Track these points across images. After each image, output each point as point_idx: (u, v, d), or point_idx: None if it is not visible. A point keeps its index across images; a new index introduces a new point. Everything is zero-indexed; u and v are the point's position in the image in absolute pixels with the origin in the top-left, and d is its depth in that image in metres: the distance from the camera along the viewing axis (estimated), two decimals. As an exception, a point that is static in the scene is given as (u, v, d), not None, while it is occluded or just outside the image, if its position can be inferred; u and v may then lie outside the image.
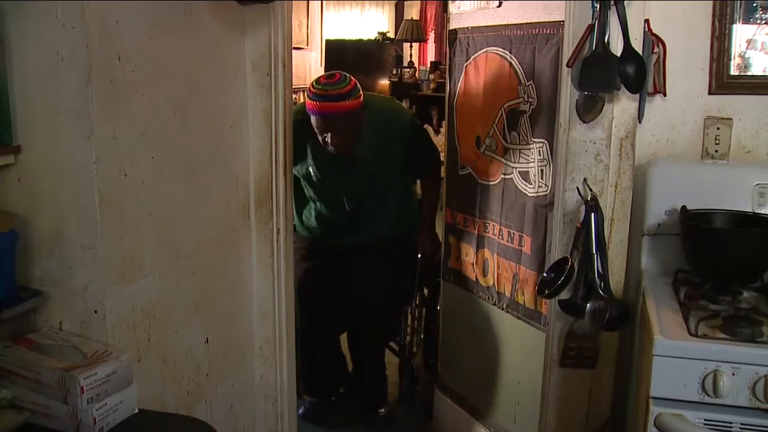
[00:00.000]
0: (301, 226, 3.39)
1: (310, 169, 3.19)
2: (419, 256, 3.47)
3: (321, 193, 3.29)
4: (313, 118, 2.99)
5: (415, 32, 8.92)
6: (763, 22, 2.21)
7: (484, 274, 3.06)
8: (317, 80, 3.03)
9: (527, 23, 2.71)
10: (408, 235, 3.48)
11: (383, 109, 3.31)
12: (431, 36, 9.79)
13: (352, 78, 3.06)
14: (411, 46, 9.30)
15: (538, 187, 2.69)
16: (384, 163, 3.22)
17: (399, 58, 8.78)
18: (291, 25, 2.46)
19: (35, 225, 1.74)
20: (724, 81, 2.27)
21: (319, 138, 3.03)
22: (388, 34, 9.29)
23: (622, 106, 2.23)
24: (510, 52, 2.79)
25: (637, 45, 2.15)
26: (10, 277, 1.72)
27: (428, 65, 9.00)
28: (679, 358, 1.76)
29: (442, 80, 5.61)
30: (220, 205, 2.27)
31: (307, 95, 3.00)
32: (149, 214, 1.89)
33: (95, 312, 1.75)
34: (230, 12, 2.16)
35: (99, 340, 1.73)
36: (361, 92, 3.04)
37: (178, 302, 2.06)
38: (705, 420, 1.75)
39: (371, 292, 3.40)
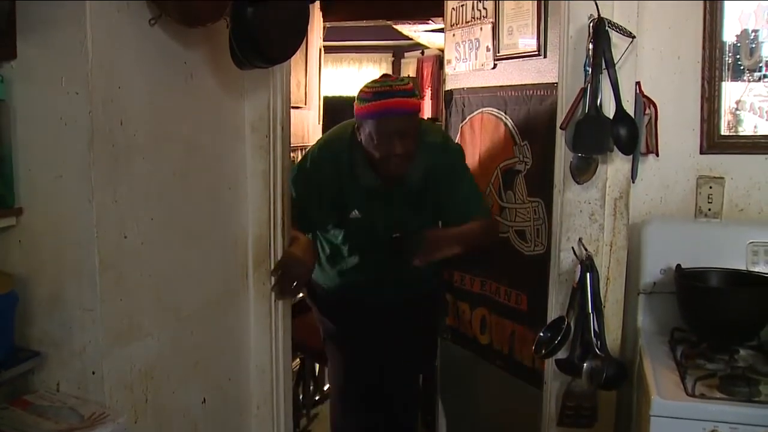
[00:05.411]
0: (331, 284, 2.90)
1: (350, 211, 2.68)
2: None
3: (361, 234, 2.73)
4: (372, 124, 2.48)
5: (412, 89, 9.02)
6: (752, 80, 2.25)
7: (482, 331, 3.06)
8: (372, 81, 2.57)
9: (522, 85, 2.77)
10: (432, 292, 3.01)
11: (435, 132, 2.81)
12: (428, 93, 9.92)
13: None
14: (408, 103, 9.39)
15: (535, 245, 2.72)
16: (427, 198, 2.69)
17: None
18: (290, 86, 2.50)
19: (35, 286, 1.74)
20: (715, 141, 2.30)
21: (376, 153, 2.50)
22: (385, 91, 9.38)
23: (615, 167, 2.27)
24: (505, 113, 2.84)
25: (629, 107, 2.20)
26: (9, 338, 1.71)
27: (425, 121, 9.08)
28: (677, 419, 1.75)
29: (438, 137, 5.65)
30: (218, 265, 2.28)
31: (360, 100, 2.52)
32: (149, 276, 1.90)
33: (93, 373, 1.74)
34: (230, 76, 2.19)
35: (96, 402, 1.73)
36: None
37: (177, 363, 2.06)
38: (704, 482, 1.73)
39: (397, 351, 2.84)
